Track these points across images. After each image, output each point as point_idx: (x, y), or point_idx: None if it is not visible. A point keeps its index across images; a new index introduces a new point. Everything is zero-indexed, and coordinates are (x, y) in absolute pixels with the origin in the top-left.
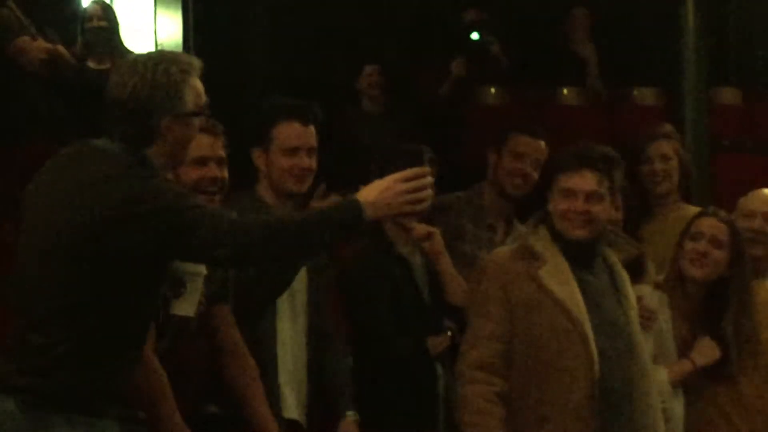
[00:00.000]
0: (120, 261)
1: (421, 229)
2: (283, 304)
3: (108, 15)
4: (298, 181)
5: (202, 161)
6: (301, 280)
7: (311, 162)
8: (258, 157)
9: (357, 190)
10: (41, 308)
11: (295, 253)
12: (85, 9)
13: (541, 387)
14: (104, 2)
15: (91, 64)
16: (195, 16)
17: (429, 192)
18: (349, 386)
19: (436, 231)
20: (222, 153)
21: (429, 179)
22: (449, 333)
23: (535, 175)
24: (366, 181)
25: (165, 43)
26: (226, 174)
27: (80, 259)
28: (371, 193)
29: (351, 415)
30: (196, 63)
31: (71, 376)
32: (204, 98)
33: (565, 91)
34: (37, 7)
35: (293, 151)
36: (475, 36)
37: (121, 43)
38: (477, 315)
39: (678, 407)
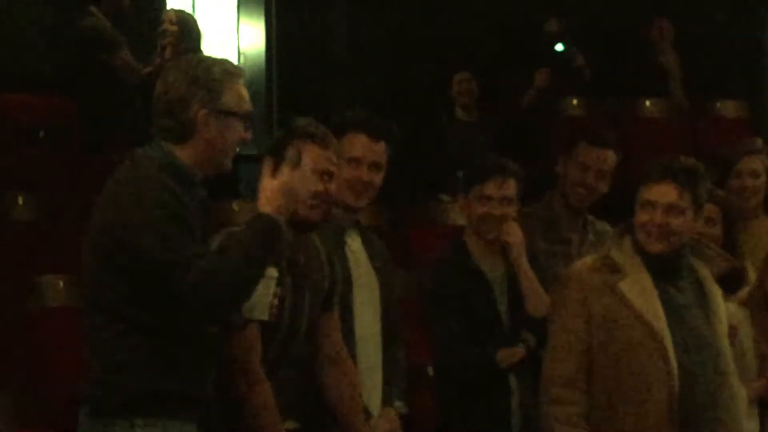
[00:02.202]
0: (128, 271)
1: (503, 239)
2: (362, 302)
3: (182, 21)
4: (354, 194)
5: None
6: (371, 277)
7: (372, 177)
8: None
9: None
10: (90, 314)
11: (242, 292)
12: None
13: (619, 401)
14: (181, 9)
15: None
16: (278, 24)
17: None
18: (401, 379)
19: (515, 242)
20: (328, 166)
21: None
22: (524, 345)
23: (601, 186)
24: (454, 188)
25: (247, 51)
26: (333, 187)
27: (103, 267)
28: (265, 202)
29: (399, 406)
30: (243, 71)
31: (126, 380)
32: (248, 106)
33: (647, 102)
34: (121, 14)
35: (355, 162)
36: (559, 47)
37: (199, 50)
38: (557, 327)
39: (753, 426)
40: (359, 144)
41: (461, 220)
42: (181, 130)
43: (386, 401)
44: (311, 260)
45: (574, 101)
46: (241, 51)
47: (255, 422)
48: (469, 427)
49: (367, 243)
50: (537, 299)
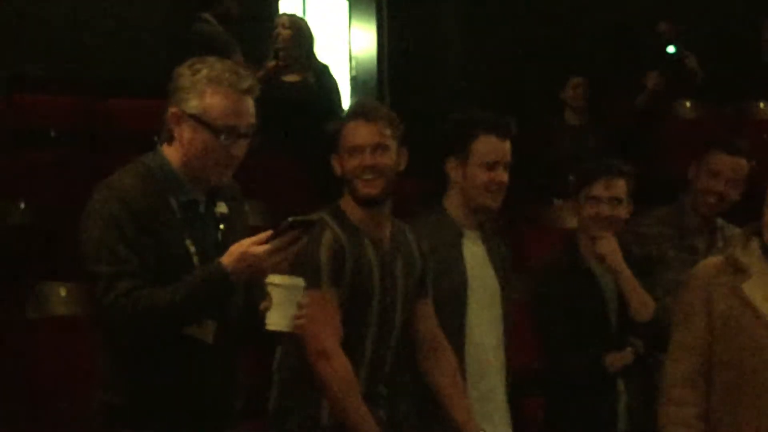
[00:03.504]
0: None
1: (598, 247)
2: (479, 306)
3: (295, 25)
4: (493, 196)
5: (357, 150)
6: (491, 279)
7: (506, 177)
8: (453, 168)
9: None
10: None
11: (165, 330)
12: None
13: (736, 406)
14: (293, 14)
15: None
16: (389, 28)
17: (294, 250)
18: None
19: (608, 252)
20: (379, 138)
21: (288, 238)
22: (632, 350)
23: (733, 194)
24: (559, 193)
25: (359, 55)
26: (385, 159)
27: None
28: (230, 260)
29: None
30: (243, 82)
31: (108, 395)
32: (235, 121)
33: (761, 104)
34: (233, 20)
35: (492, 166)
36: (671, 49)
37: (312, 55)
38: (678, 327)
39: None
40: (493, 147)
41: (574, 223)
42: (167, 129)
43: None
44: (399, 242)
45: (687, 104)
46: (352, 55)
47: (339, 403)
48: (576, 430)
49: (488, 244)
50: (640, 304)
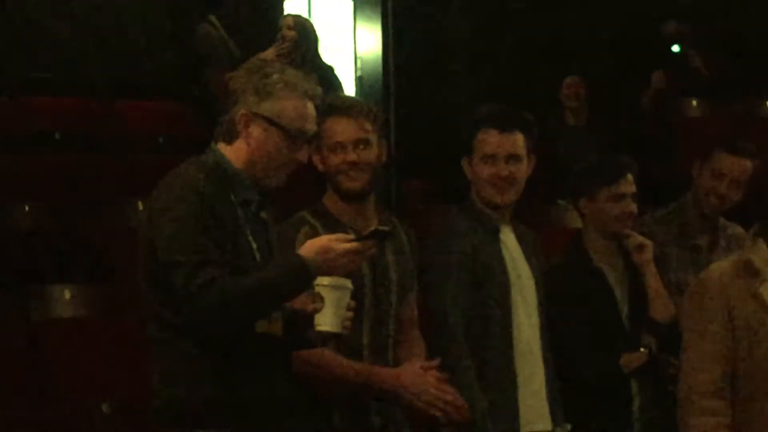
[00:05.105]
0: (156, 272)
1: (635, 239)
2: (521, 301)
3: (300, 26)
4: (499, 192)
5: (339, 146)
6: (527, 273)
7: (512, 170)
8: (466, 166)
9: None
10: (148, 323)
11: (246, 320)
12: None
13: (762, 414)
14: (298, 14)
15: None
16: (395, 28)
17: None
18: (557, 393)
19: (649, 243)
20: (361, 134)
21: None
22: (646, 350)
23: (734, 195)
24: (564, 194)
25: (364, 56)
26: (368, 154)
27: (144, 269)
28: (309, 252)
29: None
30: (311, 89)
31: (179, 390)
32: (303, 125)
33: None
34: (239, 21)
35: (491, 159)
36: (676, 48)
37: (317, 55)
38: (698, 335)
39: None
40: (491, 140)
41: (578, 224)
42: (228, 130)
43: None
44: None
45: (694, 103)
46: (358, 55)
47: (322, 374)
48: (591, 431)
49: (520, 237)
50: (663, 304)
